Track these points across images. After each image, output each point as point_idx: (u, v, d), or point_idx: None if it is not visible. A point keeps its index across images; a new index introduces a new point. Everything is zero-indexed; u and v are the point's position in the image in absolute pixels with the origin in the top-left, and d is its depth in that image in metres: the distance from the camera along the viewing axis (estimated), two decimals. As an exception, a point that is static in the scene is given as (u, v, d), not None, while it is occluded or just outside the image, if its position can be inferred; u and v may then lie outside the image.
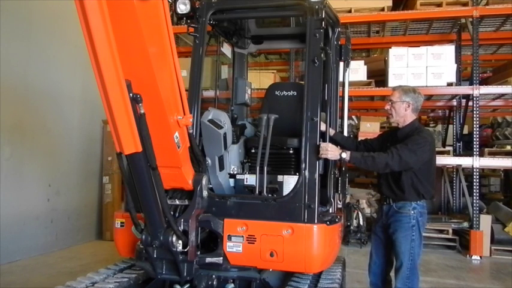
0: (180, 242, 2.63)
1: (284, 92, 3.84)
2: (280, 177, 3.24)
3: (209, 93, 4.95)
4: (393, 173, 3.21)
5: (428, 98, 7.56)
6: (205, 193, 2.81)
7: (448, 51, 6.60)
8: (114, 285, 2.89)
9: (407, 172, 3.18)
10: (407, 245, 3.20)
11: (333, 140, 3.43)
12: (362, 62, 7.12)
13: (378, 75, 7.08)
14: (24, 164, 5.63)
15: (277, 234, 2.77)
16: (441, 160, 6.94)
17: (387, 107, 3.38)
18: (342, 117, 3.82)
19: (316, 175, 2.91)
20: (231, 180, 3.38)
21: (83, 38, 1.90)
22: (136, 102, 2.17)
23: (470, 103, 6.79)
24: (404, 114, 3.31)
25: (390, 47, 6.97)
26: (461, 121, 7.81)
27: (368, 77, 6.96)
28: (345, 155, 3.03)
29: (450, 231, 6.72)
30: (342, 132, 3.77)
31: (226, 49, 4.34)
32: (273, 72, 7.71)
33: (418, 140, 3.13)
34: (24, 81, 5.66)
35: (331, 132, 3.40)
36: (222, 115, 3.17)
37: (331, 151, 2.97)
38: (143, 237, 2.60)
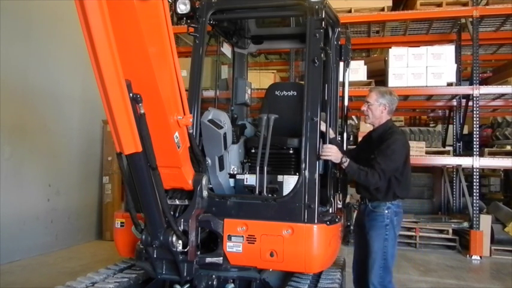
0: (180, 242, 2.63)
1: (284, 92, 3.84)
2: (280, 177, 3.23)
3: (209, 93, 4.94)
4: None
5: (428, 98, 7.57)
6: (205, 193, 2.81)
7: (448, 51, 6.60)
8: (114, 285, 2.89)
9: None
10: (380, 243, 3.22)
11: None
12: (362, 62, 7.12)
13: (378, 75, 7.08)
14: (24, 164, 5.63)
15: (277, 234, 2.77)
16: (441, 160, 6.95)
17: (364, 108, 3.39)
18: (342, 117, 3.83)
19: (316, 175, 2.91)
20: (231, 180, 3.38)
21: (83, 38, 1.90)
22: (136, 102, 2.17)
23: (470, 103, 6.79)
24: (380, 116, 3.35)
25: (390, 47, 6.97)
26: (461, 121, 7.81)
27: (368, 77, 6.96)
28: (345, 161, 3.08)
29: (450, 231, 6.73)
30: (343, 132, 3.80)
31: (226, 49, 4.33)
32: (273, 72, 7.71)
33: (392, 146, 3.15)
34: (24, 81, 5.66)
35: (331, 134, 3.40)
36: (222, 115, 3.17)
37: (334, 154, 3.01)
38: (143, 237, 2.60)
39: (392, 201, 3.23)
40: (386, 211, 3.22)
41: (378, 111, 3.32)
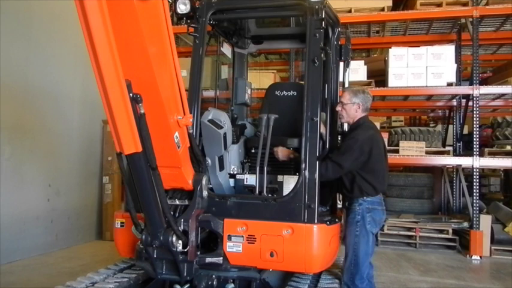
0: (180, 242, 2.63)
1: (284, 92, 3.84)
2: (280, 177, 3.24)
3: (209, 93, 4.94)
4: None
5: (428, 98, 7.57)
6: (205, 193, 2.81)
7: (448, 51, 6.59)
8: (114, 285, 2.90)
9: (348, 172, 3.23)
10: (351, 239, 3.26)
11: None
12: (362, 62, 7.12)
13: (378, 75, 7.08)
14: (24, 164, 5.63)
15: (277, 234, 2.77)
16: (441, 160, 6.94)
17: (338, 108, 3.42)
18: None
19: (316, 175, 2.91)
20: (231, 180, 3.39)
21: (83, 38, 1.90)
22: (136, 102, 2.17)
23: (470, 103, 6.78)
24: (354, 115, 3.39)
25: (390, 47, 6.96)
26: (461, 121, 7.80)
27: (368, 77, 6.96)
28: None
29: (450, 231, 6.72)
30: (343, 132, 3.79)
31: (226, 49, 4.34)
32: (273, 72, 7.70)
33: (348, 141, 3.20)
34: (24, 81, 5.65)
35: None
36: (222, 115, 3.18)
37: (281, 153, 3.27)
38: (143, 237, 2.60)
39: (364, 198, 3.24)
40: (358, 208, 3.26)
41: (352, 110, 3.37)
